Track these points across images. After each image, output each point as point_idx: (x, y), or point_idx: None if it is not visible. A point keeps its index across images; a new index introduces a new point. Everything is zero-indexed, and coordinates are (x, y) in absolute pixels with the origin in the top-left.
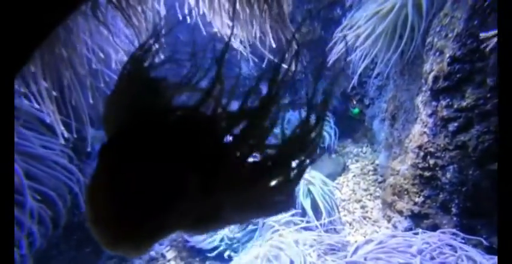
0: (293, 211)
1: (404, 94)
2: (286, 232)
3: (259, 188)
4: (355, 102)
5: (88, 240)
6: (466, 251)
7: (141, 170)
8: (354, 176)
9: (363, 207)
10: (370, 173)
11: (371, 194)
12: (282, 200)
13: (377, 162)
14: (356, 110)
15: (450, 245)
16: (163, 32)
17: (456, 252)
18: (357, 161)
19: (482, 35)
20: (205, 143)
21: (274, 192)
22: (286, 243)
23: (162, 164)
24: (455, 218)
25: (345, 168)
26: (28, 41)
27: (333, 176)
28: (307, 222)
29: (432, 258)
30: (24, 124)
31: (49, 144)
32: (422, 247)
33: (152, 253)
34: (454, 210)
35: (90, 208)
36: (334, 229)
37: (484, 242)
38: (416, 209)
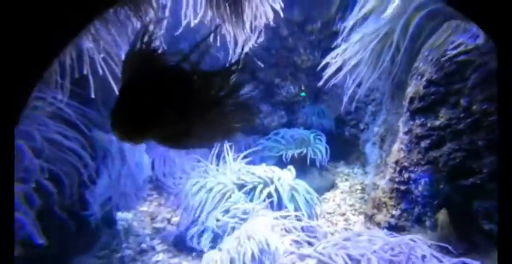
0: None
1: (393, 117)
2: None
3: (219, 113)
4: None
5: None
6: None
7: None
8: (342, 192)
9: (346, 220)
10: (358, 191)
11: (356, 210)
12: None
13: (366, 182)
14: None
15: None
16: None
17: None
18: (346, 179)
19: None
20: (184, 85)
21: (232, 116)
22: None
23: (158, 95)
24: (429, 231)
25: (333, 185)
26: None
27: (320, 191)
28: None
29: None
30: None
31: (65, 132)
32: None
33: (143, 246)
34: (427, 223)
35: (116, 103)
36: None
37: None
38: (393, 221)
